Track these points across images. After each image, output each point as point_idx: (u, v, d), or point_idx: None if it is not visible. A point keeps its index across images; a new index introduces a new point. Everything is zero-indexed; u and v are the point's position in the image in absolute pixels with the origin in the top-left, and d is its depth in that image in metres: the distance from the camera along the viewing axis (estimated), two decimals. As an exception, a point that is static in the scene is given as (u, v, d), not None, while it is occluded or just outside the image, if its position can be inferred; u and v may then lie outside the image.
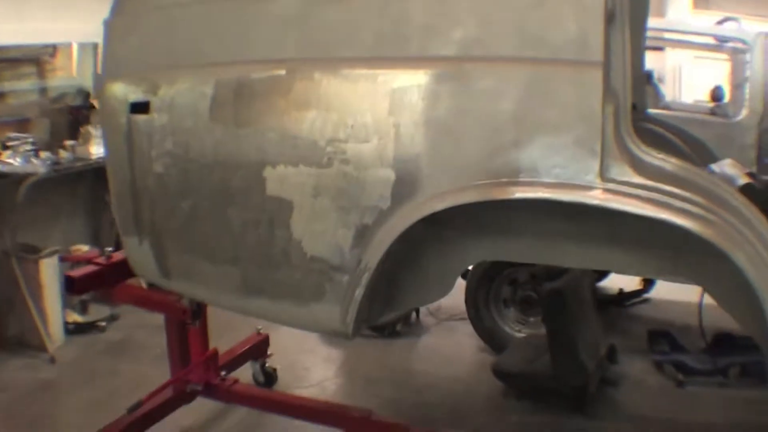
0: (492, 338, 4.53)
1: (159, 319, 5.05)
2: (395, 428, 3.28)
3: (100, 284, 3.12)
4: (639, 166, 1.81)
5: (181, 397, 3.56)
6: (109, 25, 2.51)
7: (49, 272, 4.62)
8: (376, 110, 1.93)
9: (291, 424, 3.60)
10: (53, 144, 4.98)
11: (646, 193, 1.76)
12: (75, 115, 5.13)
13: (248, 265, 2.23)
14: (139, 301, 3.56)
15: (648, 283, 4.95)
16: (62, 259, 4.70)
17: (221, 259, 2.27)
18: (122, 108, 2.38)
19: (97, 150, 4.93)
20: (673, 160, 1.88)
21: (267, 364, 4.17)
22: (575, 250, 2.17)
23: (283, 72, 2.07)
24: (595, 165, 1.76)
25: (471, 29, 1.88)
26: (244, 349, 4.00)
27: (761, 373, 3.87)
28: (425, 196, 1.91)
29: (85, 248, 4.91)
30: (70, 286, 3.02)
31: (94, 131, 4.98)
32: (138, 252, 2.48)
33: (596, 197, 1.77)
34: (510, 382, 4.04)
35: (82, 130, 5.06)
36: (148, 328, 4.91)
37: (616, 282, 5.23)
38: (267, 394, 3.85)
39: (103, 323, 5.00)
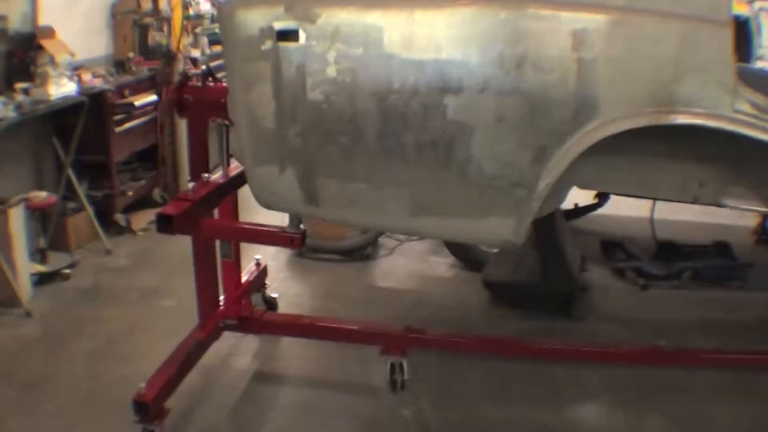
0: (466, 256, 4.99)
1: (120, 261, 5.28)
2: (437, 341, 3.71)
3: (192, 221, 3.04)
4: (750, 102, 2.36)
5: (215, 333, 3.62)
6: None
7: (17, 222, 4.50)
8: (560, 46, 2.34)
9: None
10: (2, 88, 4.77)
11: (756, 121, 2.34)
12: (20, 56, 4.95)
13: (420, 186, 2.55)
14: (236, 234, 3.51)
15: (602, 198, 5.54)
16: (28, 208, 4.63)
17: (389, 183, 2.58)
18: (265, 36, 2.55)
19: (56, 90, 4.84)
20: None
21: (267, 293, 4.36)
22: (667, 167, 2.73)
23: (469, 10, 2.40)
24: (728, 100, 2.31)
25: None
26: (249, 279, 4.04)
27: (710, 276, 4.72)
28: (602, 121, 2.36)
29: (42, 194, 4.86)
30: (167, 226, 2.90)
31: (52, 71, 4.88)
32: (278, 181, 2.70)
33: (732, 124, 2.33)
34: (501, 292, 4.52)
35: (38, 70, 4.89)
36: (111, 271, 5.07)
37: (572, 197, 5.86)
38: (298, 320, 3.99)
39: (67, 270, 4.94)
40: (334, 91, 2.54)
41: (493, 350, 3.73)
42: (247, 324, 3.80)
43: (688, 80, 2.31)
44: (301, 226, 3.10)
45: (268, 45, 2.58)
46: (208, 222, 3.26)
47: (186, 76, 3.37)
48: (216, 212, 3.48)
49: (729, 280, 4.70)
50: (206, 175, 3.25)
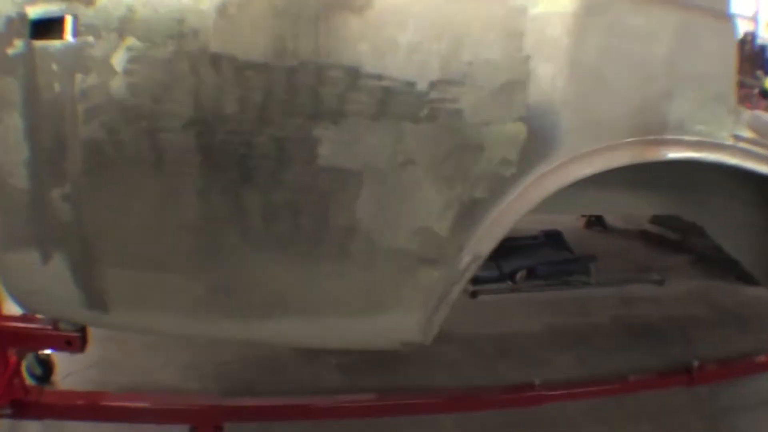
0: None
1: None
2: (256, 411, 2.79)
3: None
4: (750, 124, 1.70)
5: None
6: None
7: None
8: (506, 43, 1.45)
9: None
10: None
11: (757, 148, 1.68)
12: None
13: (273, 270, 1.58)
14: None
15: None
16: None
17: (219, 268, 1.58)
18: (12, 32, 1.45)
19: None
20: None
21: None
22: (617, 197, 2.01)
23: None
24: (729, 122, 1.62)
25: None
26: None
27: (548, 274, 4.15)
28: (562, 157, 1.52)
29: None
30: None
31: None
32: (40, 274, 1.60)
33: (735, 156, 1.64)
34: None
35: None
36: None
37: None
38: (85, 399, 2.96)
39: None
40: (124, 120, 1.46)
41: (336, 415, 2.83)
42: (21, 408, 2.64)
43: (684, 94, 1.54)
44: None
45: (17, 47, 1.46)
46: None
47: None
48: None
49: (569, 275, 4.15)
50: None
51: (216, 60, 1.42)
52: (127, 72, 1.44)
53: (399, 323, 1.61)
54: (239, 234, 1.53)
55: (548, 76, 1.47)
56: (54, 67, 1.46)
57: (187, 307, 1.61)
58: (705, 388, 2.85)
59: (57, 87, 1.47)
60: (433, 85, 1.44)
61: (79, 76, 1.46)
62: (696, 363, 2.61)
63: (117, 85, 1.45)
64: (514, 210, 1.52)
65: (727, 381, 2.94)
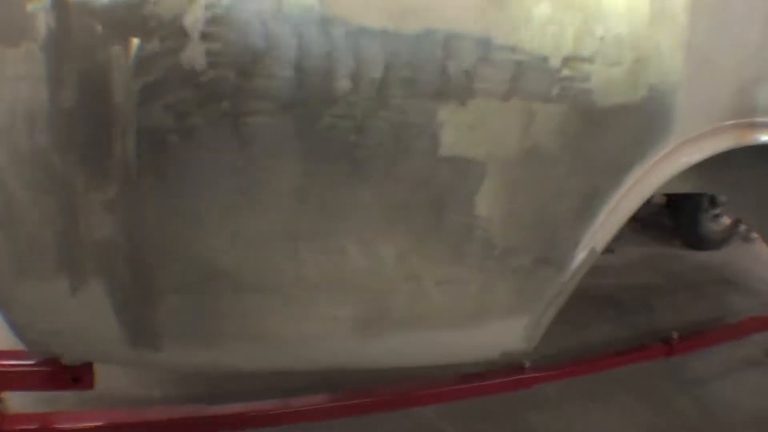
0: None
1: None
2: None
3: None
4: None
5: None
6: None
7: None
8: (633, 17, 1.32)
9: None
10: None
11: None
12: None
13: (377, 283, 1.31)
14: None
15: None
16: None
17: (318, 284, 1.28)
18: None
19: None
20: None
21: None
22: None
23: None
24: None
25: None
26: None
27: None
28: (674, 141, 1.42)
29: None
30: None
31: None
32: (66, 309, 1.21)
33: None
34: None
35: None
36: None
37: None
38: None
39: None
40: (197, 100, 1.14)
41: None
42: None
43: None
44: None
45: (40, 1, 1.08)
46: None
47: None
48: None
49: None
50: None
51: (324, 23, 1.14)
52: (205, 36, 1.12)
53: (504, 331, 1.41)
54: (343, 238, 1.25)
55: (668, 55, 1.35)
56: (97, 28, 1.10)
57: (275, 332, 1.29)
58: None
59: (101, 57, 1.11)
60: (566, 61, 1.26)
61: (134, 42, 1.11)
62: (675, 335, 2.69)
63: (190, 55, 1.12)
64: (630, 200, 1.39)
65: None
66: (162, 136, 1.13)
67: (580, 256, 1.40)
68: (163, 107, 1.12)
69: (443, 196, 1.26)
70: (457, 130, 1.23)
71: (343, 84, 1.16)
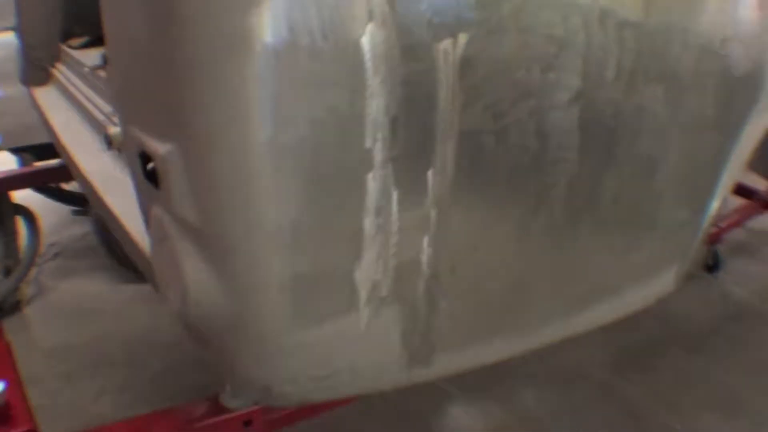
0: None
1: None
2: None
3: None
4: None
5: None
6: None
7: None
8: None
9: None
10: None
11: None
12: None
13: (590, 255, 1.33)
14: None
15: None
16: None
17: (567, 266, 1.28)
18: None
19: None
20: None
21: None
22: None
23: None
24: None
25: None
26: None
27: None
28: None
29: None
30: None
31: None
32: (355, 343, 1.08)
33: None
34: None
35: None
36: None
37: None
38: None
39: None
40: (512, 98, 1.07)
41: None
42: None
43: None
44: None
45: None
46: None
47: None
48: None
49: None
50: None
51: (603, 16, 1.12)
52: (522, 28, 1.04)
53: (663, 280, 1.53)
54: (590, 222, 1.26)
55: None
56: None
57: (534, 321, 1.28)
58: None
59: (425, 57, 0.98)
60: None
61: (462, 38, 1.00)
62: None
63: (508, 48, 1.04)
64: (740, 157, 1.55)
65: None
66: (480, 140, 1.04)
67: (716, 203, 1.54)
68: (483, 108, 1.03)
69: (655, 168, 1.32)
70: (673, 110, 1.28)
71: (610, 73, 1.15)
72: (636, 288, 1.46)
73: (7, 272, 3.19)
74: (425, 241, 1.05)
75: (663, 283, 1.52)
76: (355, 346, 1.07)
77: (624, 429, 2.82)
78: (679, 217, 1.45)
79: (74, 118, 2.15)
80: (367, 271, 1.01)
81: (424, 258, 1.06)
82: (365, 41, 0.89)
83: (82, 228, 3.93)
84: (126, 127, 1.02)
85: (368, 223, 0.99)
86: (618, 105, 1.19)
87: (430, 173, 1.01)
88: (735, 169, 1.52)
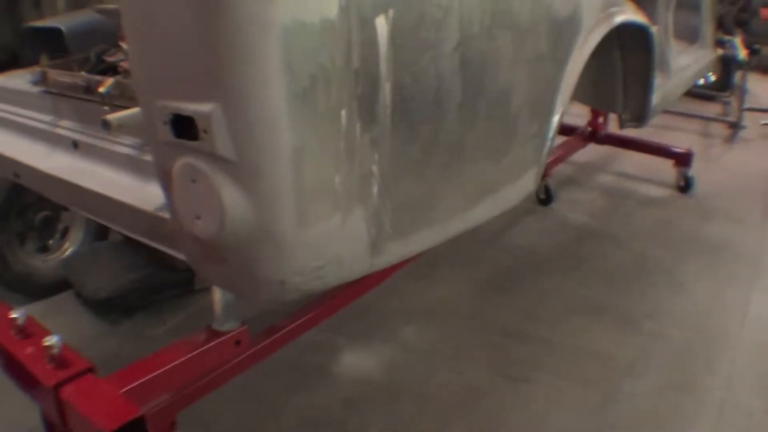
0: (27, 283, 3.78)
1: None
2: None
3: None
4: None
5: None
6: None
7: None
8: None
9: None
10: None
11: None
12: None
13: (481, 161, 1.87)
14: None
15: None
16: None
17: (463, 170, 1.80)
18: None
19: None
20: None
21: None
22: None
23: None
24: None
25: None
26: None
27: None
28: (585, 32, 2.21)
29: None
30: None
31: None
32: (338, 238, 1.54)
33: None
34: (119, 304, 3.58)
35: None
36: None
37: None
38: None
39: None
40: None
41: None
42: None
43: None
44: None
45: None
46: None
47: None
48: None
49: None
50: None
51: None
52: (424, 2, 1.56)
53: (528, 179, 2.09)
54: (471, 136, 1.80)
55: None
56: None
57: (439, 215, 1.79)
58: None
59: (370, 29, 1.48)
60: None
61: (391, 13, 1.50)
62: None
63: (417, 16, 1.56)
64: (572, 76, 2.16)
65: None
66: (405, 81, 1.55)
67: (556, 118, 2.13)
68: (405, 60, 1.54)
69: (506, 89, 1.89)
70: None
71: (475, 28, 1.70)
72: (509, 187, 2.01)
73: None
74: (376, 156, 1.53)
75: (527, 182, 2.08)
76: (338, 240, 1.53)
77: (500, 346, 3.31)
78: (532, 130, 2.01)
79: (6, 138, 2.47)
80: (343, 181, 1.49)
81: (376, 169, 1.55)
82: (336, 18, 1.37)
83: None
84: (153, 103, 1.44)
85: (342, 145, 1.47)
86: (483, 50, 1.72)
87: (377, 106, 1.50)
88: (567, 90, 2.10)
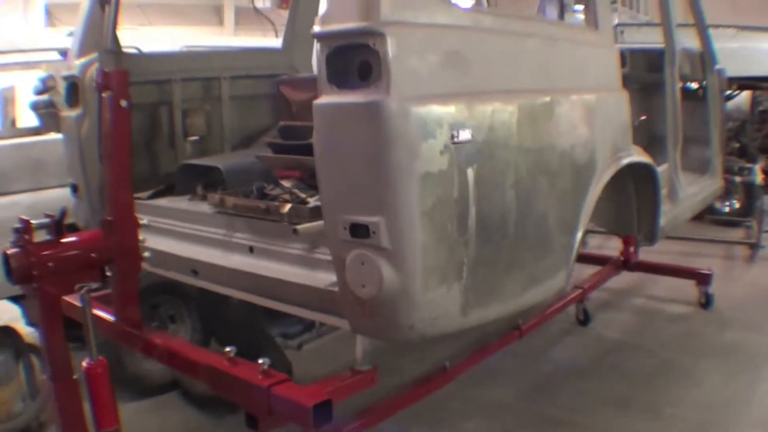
0: (139, 383, 4.39)
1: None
2: None
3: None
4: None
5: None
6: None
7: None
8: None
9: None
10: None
11: None
12: None
13: (528, 260, 2.89)
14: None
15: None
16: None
17: (535, 259, 2.87)
18: (440, 132, 2.44)
19: None
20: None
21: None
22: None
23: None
24: None
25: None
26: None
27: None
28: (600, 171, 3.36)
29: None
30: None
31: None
32: (444, 301, 2.56)
33: None
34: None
35: None
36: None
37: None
38: None
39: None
40: (493, 183, 2.67)
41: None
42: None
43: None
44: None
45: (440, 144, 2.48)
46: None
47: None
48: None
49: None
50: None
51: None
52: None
53: (559, 278, 3.13)
54: (524, 242, 2.88)
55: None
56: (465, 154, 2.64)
57: (507, 296, 2.84)
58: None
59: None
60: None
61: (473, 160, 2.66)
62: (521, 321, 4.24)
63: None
64: (592, 201, 3.30)
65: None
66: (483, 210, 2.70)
67: (580, 234, 3.23)
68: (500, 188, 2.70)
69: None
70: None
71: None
72: (548, 281, 3.01)
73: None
74: (466, 252, 2.57)
75: (560, 280, 3.09)
76: (444, 302, 2.50)
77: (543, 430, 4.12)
78: (563, 242, 3.08)
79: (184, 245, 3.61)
80: (448, 266, 2.55)
81: (466, 260, 2.60)
82: (447, 169, 2.49)
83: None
84: (337, 216, 2.49)
85: (448, 244, 2.54)
86: (529, 187, 2.77)
87: (468, 221, 2.58)
88: (587, 213, 3.13)
